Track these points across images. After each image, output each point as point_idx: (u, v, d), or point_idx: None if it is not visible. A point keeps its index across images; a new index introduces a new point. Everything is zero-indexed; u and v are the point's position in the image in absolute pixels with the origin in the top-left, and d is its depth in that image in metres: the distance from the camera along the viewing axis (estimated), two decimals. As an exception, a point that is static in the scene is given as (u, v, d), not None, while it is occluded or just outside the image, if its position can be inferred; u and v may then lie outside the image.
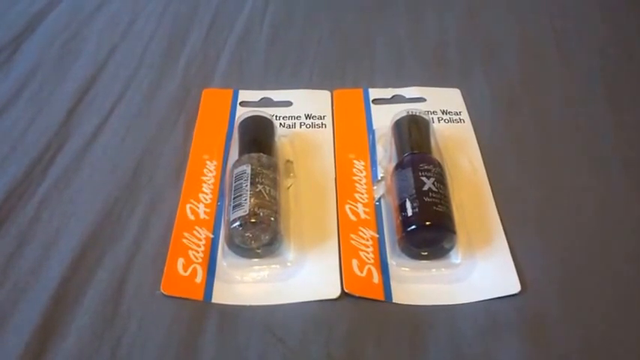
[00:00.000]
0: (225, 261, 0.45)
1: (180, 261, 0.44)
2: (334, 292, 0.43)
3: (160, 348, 0.40)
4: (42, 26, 0.67)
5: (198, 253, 0.45)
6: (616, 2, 0.71)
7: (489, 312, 0.42)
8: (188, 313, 0.42)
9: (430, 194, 0.44)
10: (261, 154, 0.47)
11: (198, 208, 0.48)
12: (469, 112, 0.56)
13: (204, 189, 0.49)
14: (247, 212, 0.43)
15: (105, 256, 0.45)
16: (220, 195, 0.48)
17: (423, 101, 0.57)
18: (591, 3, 0.71)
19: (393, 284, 0.43)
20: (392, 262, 0.45)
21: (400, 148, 0.49)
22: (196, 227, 0.47)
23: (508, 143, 0.54)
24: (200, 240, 0.46)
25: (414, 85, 0.59)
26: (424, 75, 0.61)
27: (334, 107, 0.57)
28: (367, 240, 0.46)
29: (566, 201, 0.49)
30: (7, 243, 0.46)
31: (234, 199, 0.44)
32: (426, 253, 0.44)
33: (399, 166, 0.47)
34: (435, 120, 0.55)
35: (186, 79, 0.61)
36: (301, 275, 0.44)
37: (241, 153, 0.48)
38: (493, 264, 0.45)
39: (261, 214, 0.43)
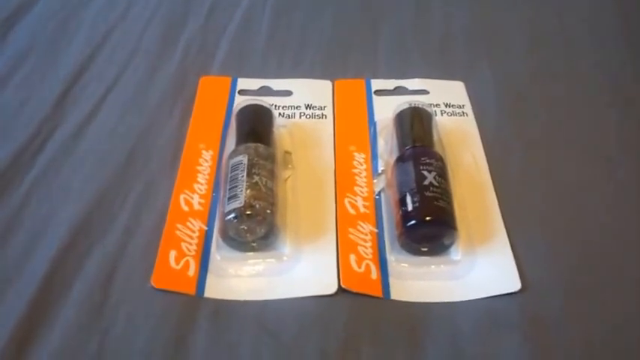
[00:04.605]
0: (219, 254, 0.44)
1: (173, 253, 0.43)
2: (331, 287, 0.42)
3: (148, 342, 0.39)
4: (36, 7, 0.66)
5: (191, 245, 0.44)
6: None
7: (489, 310, 0.41)
8: (179, 307, 0.41)
9: (431, 189, 0.43)
10: (259, 144, 0.46)
11: (192, 198, 0.47)
12: (473, 106, 0.56)
13: (199, 179, 0.48)
14: (243, 204, 0.42)
15: (94, 247, 0.44)
16: (216, 186, 0.48)
17: (426, 93, 0.57)
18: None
19: (392, 280, 0.43)
20: (391, 257, 0.44)
21: (401, 141, 0.48)
22: (190, 219, 0.46)
23: (512, 138, 0.53)
24: (193, 232, 0.45)
25: (418, 77, 0.58)
26: (428, 67, 0.60)
27: (335, 98, 0.56)
28: (366, 235, 0.45)
29: (570, 198, 0.48)
30: (-8, 231, 0.45)
31: (229, 190, 0.43)
32: (425, 249, 0.44)
33: (400, 160, 0.47)
34: (438, 113, 0.54)
35: (183, 65, 0.60)
36: (297, 270, 0.43)
37: (238, 143, 0.47)
38: (494, 261, 0.44)
39: (257, 206, 0.42)
